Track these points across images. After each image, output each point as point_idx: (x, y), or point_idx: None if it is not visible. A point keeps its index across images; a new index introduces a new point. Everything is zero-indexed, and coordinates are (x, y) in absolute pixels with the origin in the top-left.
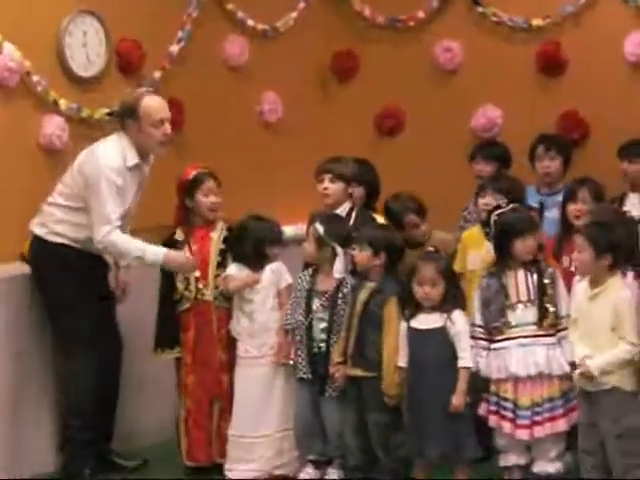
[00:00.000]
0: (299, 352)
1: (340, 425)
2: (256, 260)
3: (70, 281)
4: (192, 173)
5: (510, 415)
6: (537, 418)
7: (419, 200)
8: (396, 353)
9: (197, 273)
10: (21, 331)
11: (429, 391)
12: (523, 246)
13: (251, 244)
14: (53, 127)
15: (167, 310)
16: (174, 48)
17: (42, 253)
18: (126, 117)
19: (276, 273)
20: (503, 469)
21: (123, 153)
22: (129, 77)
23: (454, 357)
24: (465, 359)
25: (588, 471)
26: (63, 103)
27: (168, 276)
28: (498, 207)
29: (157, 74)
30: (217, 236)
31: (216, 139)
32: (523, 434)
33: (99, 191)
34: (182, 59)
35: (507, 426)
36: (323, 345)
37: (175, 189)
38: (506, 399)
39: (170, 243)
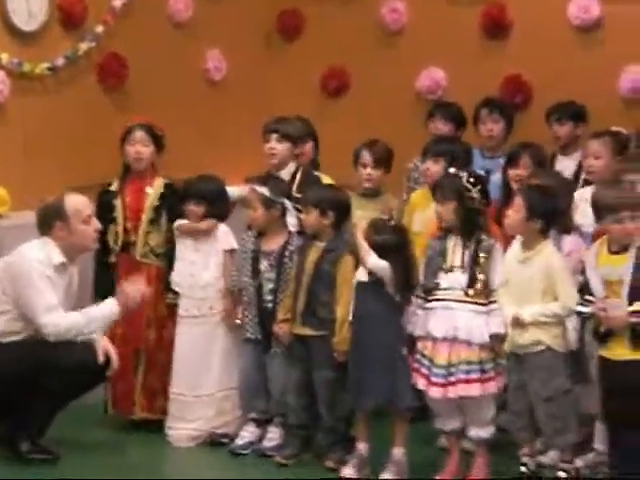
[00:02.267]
0: (246, 313)
1: (283, 384)
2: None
3: None
4: (127, 126)
5: (426, 372)
6: (451, 379)
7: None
8: (349, 310)
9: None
10: None
11: (368, 342)
12: (436, 210)
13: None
14: None
15: (100, 260)
16: (117, 2)
17: None
18: (54, 220)
19: (221, 233)
20: (440, 432)
21: (47, 252)
22: (71, 31)
23: (391, 309)
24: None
25: (517, 432)
26: (4, 57)
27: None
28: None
29: (99, 28)
30: (154, 193)
31: (159, 96)
32: (436, 392)
33: (31, 282)
34: (125, 14)
35: (422, 382)
36: (270, 305)
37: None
38: (424, 356)
39: (104, 195)
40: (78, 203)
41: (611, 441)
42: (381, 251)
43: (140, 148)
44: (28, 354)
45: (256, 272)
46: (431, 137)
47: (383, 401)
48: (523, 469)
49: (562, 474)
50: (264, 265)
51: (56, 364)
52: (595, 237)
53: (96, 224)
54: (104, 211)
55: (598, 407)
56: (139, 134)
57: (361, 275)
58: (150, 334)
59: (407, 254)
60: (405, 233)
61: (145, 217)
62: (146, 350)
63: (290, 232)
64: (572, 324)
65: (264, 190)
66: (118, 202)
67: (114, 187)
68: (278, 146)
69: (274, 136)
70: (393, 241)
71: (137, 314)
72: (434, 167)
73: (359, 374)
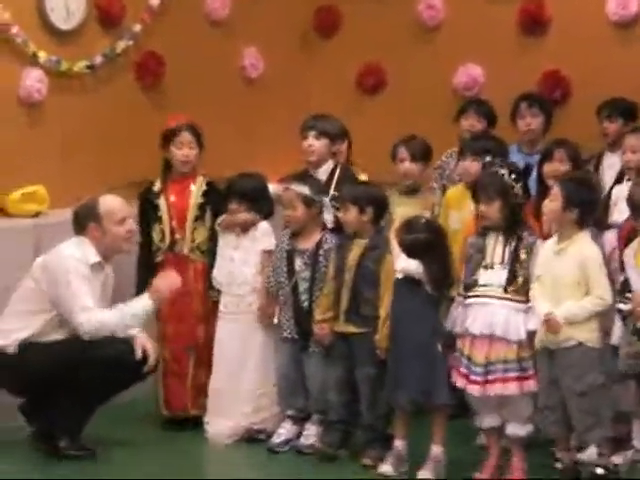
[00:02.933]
0: (283, 312)
1: (322, 381)
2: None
3: None
4: (171, 124)
5: (464, 370)
6: (490, 377)
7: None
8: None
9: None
10: None
11: (405, 339)
12: (480, 210)
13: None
14: (32, 80)
15: (143, 260)
16: (154, 1)
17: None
18: (88, 221)
19: (263, 232)
20: (479, 430)
21: (83, 251)
22: (109, 30)
23: (427, 305)
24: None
25: (549, 427)
26: (42, 55)
27: (145, 227)
28: (493, 164)
29: (137, 27)
30: (197, 189)
31: (196, 94)
32: (474, 390)
33: (69, 281)
34: (163, 12)
35: (461, 381)
36: (306, 304)
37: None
38: (462, 354)
39: (147, 194)
40: (112, 204)
41: None
42: (413, 250)
43: (188, 152)
44: (66, 351)
45: (291, 272)
46: (464, 133)
47: (418, 396)
48: (558, 465)
49: (599, 470)
50: (298, 264)
51: (93, 360)
52: (622, 233)
53: (130, 226)
54: (148, 211)
55: (635, 405)
56: (187, 136)
57: (397, 272)
58: (200, 330)
59: (441, 251)
60: (439, 230)
61: (190, 214)
62: (195, 347)
63: (324, 230)
64: (617, 319)
65: (304, 189)
66: (162, 201)
67: (157, 186)
68: (316, 143)
69: (312, 133)
70: (424, 239)
71: (187, 311)
72: (474, 165)
73: (396, 370)
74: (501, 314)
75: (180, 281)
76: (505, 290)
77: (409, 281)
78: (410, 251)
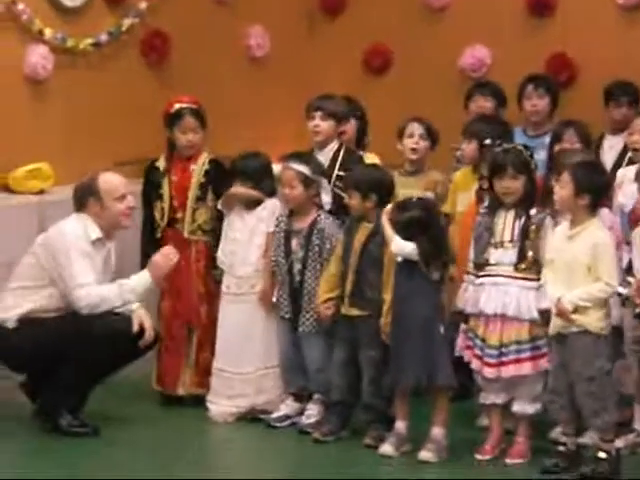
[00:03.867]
0: (281, 292)
1: (321, 362)
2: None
3: None
4: (175, 106)
5: (479, 352)
6: (504, 359)
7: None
8: None
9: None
10: None
11: (407, 321)
12: (499, 186)
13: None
14: (37, 56)
15: (147, 237)
16: None
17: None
18: (87, 197)
19: (269, 213)
20: (481, 406)
21: (84, 227)
22: (115, 7)
23: (426, 286)
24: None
25: (556, 412)
26: (48, 32)
27: (148, 203)
28: (492, 145)
29: (143, 5)
30: (199, 169)
31: (202, 73)
32: (489, 372)
33: (68, 256)
34: None
35: (476, 363)
36: (299, 284)
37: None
38: (476, 336)
39: (151, 171)
40: (111, 181)
41: None
42: (408, 229)
43: (192, 137)
44: (64, 326)
45: (288, 251)
46: (472, 116)
47: (421, 377)
48: (562, 448)
49: (602, 454)
50: (294, 244)
51: (91, 335)
52: (632, 216)
53: (130, 202)
54: (151, 188)
55: (637, 388)
56: (190, 121)
57: (395, 255)
58: (202, 310)
59: (435, 229)
60: (432, 208)
61: (191, 194)
62: (198, 326)
63: (319, 210)
64: (614, 302)
65: (304, 169)
66: (165, 179)
67: (160, 164)
68: (322, 123)
69: (318, 114)
70: (418, 217)
71: (186, 288)
72: (468, 148)
73: (398, 352)
74: (512, 293)
75: (178, 256)
76: (516, 268)
77: (408, 263)
78: (405, 230)
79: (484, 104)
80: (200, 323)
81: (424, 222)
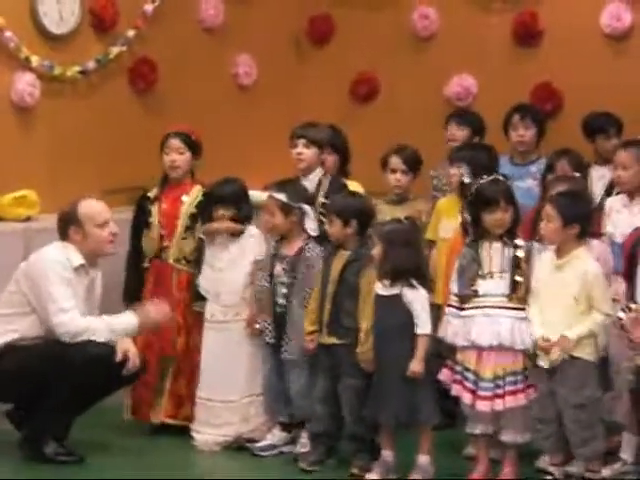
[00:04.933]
0: (264, 316)
1: (304, 391)
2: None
3: None
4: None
5: (471, 386)
6: (498, 391)
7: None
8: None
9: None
10: None
11: (388, 357)
12: (490, 219)
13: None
14: (24, 84)
15: (132, 267)
16: (149, 7)
17: None
18: (69, 225)
19: (256, 242)
20: (469, 436)
21: (66, 254)
22: (102, 35)
23: (410, 322)
24: (422, 326)
25: (542, 441)
26: (35, 60)
27: (136, 235)
28: (472, 184)
29: (131, 33)
30: (190, 200)
31: (190, 101)
32: (483, 406)
33: (49, 282)
34: (156, 19)
35: (468, 397)
36: (284, 309)
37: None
38: (468, 369)
39: (142, 201)
40: (92, 208)
41: None
42: (392, 239)
43: (175, 156)
44: (46, 352)
45: (272, 275)
46: (448, 143)
47: (402, 415)
48: (549, 478)
49: None
50: (278, 269)
51: (72, 360)
52: (627, 243)
53: (112, 228)
54: (141, 218)
55: (626, 416)
56: (174, 142)
57: (379, 288)
58: (179, 341)
59: (416, 245)
60: (416, 225)
61: (180, 224)
62: (175, 356)
63: (307, 238)
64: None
65: (281, 196)
66: (154, 208)
67: (152, 194)
68: (305, 151)
69: (301, 141)
70: (402, 228)
71: (165, 322)
72: (455, 174)
73: (381, 389)
74: (506, 324)
75: (170, 314)
76: (509, 298)
77: (390, 298)
78: (390, 241)
79: (456, 132)
80: (177, 354)
81: (409, 234)
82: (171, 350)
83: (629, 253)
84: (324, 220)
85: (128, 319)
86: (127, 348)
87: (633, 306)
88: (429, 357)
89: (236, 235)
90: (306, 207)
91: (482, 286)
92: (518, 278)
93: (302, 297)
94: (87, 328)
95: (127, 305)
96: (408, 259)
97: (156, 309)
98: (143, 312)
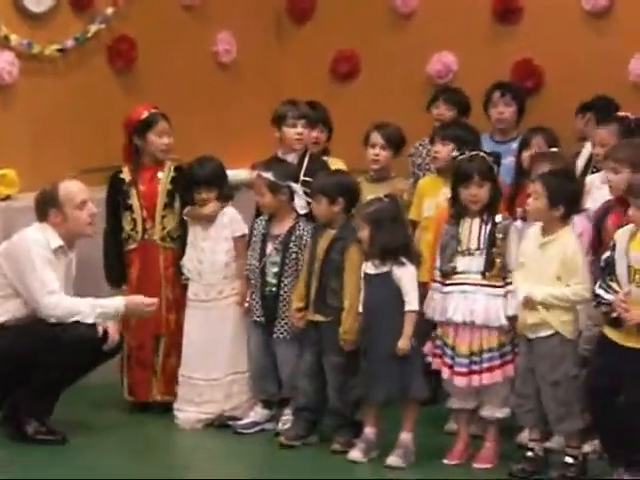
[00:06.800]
0: (253, 295)
1: (293, 368)
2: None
3: None
4: (144, 113)
5: (449, 361)
6: (475, 367)
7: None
8: (356, 299)
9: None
10: None
11: (378, 334)
12: (465, 194)
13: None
14: (3, 62)
15: (112, 248)
16: None
17: None
18: (48, 207)
19: (230, 219)
20: (450, 411)
21: (45, 236)
22: (81, 13)
23: (400, 300)
24: (410, 302)
25: (523, 416)
26: (14, 38)
27: (113, 214)
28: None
29: (109, 11)
30: (165, 177)
31: (169, 79)
32: (460, 381)
33: (33, 264)
34: None
35: (446, 371)
36: (274, 289)
37: (123, 127)
38: (447, 344)
39: (116, 182)
40: (71, 189)
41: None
42: (378, 219)
43: (168, 140)
44: (27, 331)
45: (262, 254)
46: (435, 122)
47: (395, 392)
48: (530, 454)
49: (569, 459)
50: (269, 248)
51: (53, 338)
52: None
53: (91, 209)
54: (117, 199)
55: None
56: (165, 125)
57: (368, 267)
58: (170, 318)
59: (402, 222)
60: (398, 203)
61: (159, 202)
62: (166, 334)
63: (298, 216)
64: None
65: (269, 175)
66: (132, 190)
67: (125, 176)
68: (306, 132)
69: (302, 122)
70: (387, 207)
71: (156, 297)
72: (443, 150)
73: (371, 366)
74: (480, 301)
75: (157, 307)
76: (484, 276)
77: (379, 275)
78: (375, 221)
79: (445, 112)
80: (168, 331)
81: (394, 212)
82: (163, 328)
83: (595, 225)
84: (306, 199)
85: (116, 305)
86: (106, 324)
87: (616, 286)
88: (418, 333)
89: (213, 218)
90: (295, 185)
91: (461, 263)
92: (495, 256)
93: (293, 276)
94: (76, 311)
95: (112, 287)
96: (396, 237)
97: (148, 302)
98: (134, 302)
